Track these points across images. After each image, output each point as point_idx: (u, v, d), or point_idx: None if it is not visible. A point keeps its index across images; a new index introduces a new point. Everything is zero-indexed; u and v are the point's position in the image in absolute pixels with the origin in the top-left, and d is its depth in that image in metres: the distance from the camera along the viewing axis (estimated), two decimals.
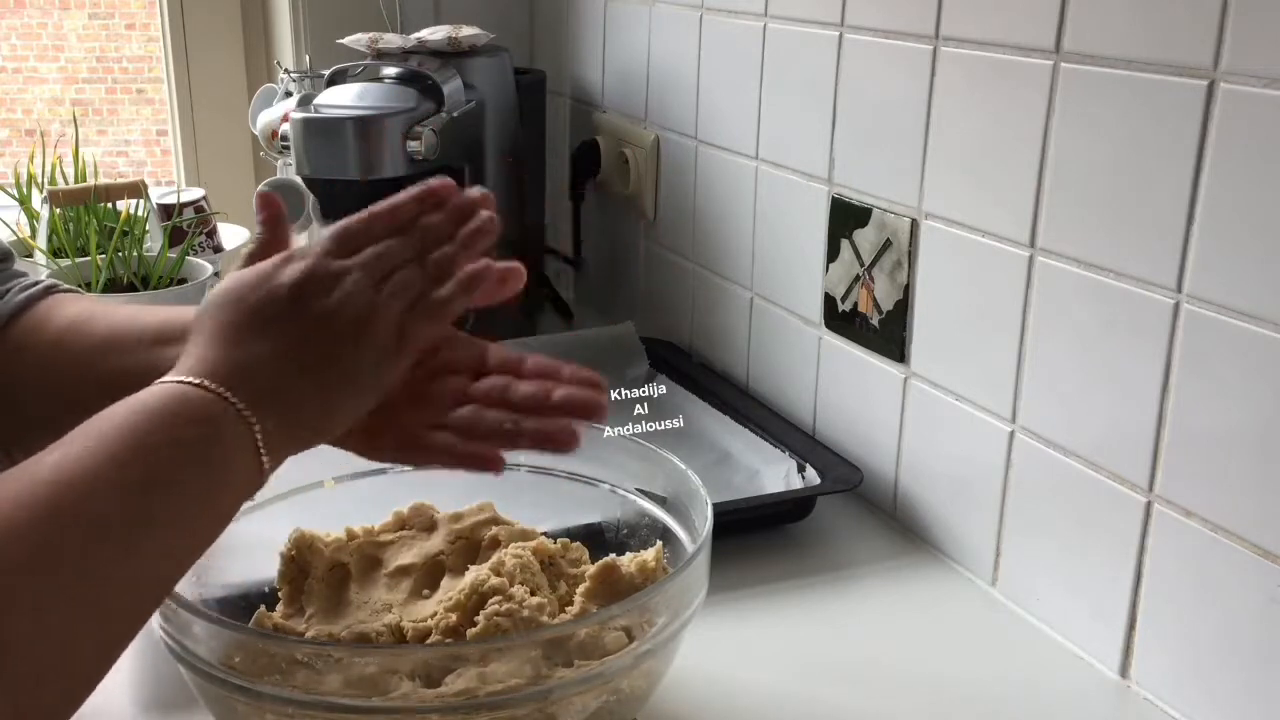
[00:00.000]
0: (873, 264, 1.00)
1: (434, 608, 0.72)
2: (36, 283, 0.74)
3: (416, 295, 0.62)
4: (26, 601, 0.46)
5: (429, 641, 0.70)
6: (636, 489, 0.82)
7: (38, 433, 0.70)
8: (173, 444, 0.54)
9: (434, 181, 0.66)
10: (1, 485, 0.49)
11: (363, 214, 0.64)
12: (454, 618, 0.70)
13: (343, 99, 1.23)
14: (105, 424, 0.53)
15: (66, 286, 0.76)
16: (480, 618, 0.69)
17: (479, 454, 0.65)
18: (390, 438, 0.67)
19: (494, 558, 0.74)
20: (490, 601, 0.70)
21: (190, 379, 0.56)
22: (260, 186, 1.42)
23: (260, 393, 0.57)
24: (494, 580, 0.71)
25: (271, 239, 0.66)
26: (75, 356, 0.70)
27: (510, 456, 0.85)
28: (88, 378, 0.69)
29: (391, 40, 1.29)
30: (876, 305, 1.00)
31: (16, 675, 0.45)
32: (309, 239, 1.65)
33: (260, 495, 0.61)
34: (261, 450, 0.56)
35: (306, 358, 0.59)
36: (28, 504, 0.48)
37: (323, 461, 0.80)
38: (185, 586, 0.66)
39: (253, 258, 0.65)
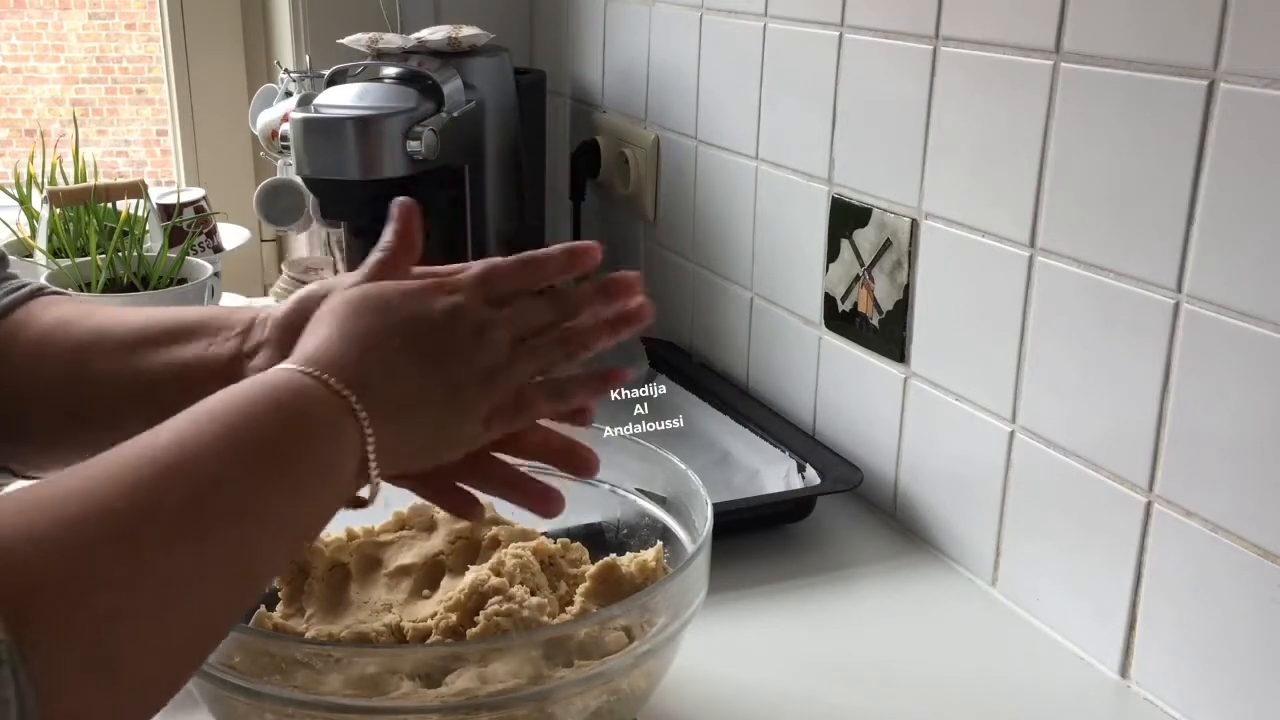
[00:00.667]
0: (873, 264, 1.00)
1: (434, 608, 0.72)
2: (23, 285, 0.73)
3: (546, 364, 0.64)
4: (124, 575, 0.46)
5: (429, 641, 0.70)
6: (636, 489, 0.82)
7: (19, 440, 0.70)
8: (286, 435, 0.53)
9: (584, 244, 0.67)
10: (106, 462, 0.49)
11: (513, 260, 0.65)
12: (454, 618, 0.70)
13: (343, 99, 1.23)
14: (221, 405, 0.53)
15: (54, 289, 0.74)
16: (480, 618, 0.69)
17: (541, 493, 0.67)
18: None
19: (494, 558, 0.74)
20: (490, 601, 0.70)
21: (314, 371, 0.56)
22: (261, 186, 1.42)
23: (380, 402, 0.56)
24: (494, 580, 0.71)
25: (403, 252, 0.66)
26: (60, 353, 0.69)
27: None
28: (66, 383, 0.68)
29: (391, 40, 1.29)
30: (876, 305, 1.00)
31: (110, 661, 0.45)
32: (307, 240, 1.65)
33: None
34: (371, 459, 0.56)
35: (433, 386, 0.59)
36: (131, 480, 0.48)
37: None
38: None
39: (382, 265, 0.65)
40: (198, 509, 0.49)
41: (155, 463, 0.49)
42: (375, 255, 0.66)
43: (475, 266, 0.64)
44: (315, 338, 0.59)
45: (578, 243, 0.67)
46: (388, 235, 0.66)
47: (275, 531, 0.53)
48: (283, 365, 0.57)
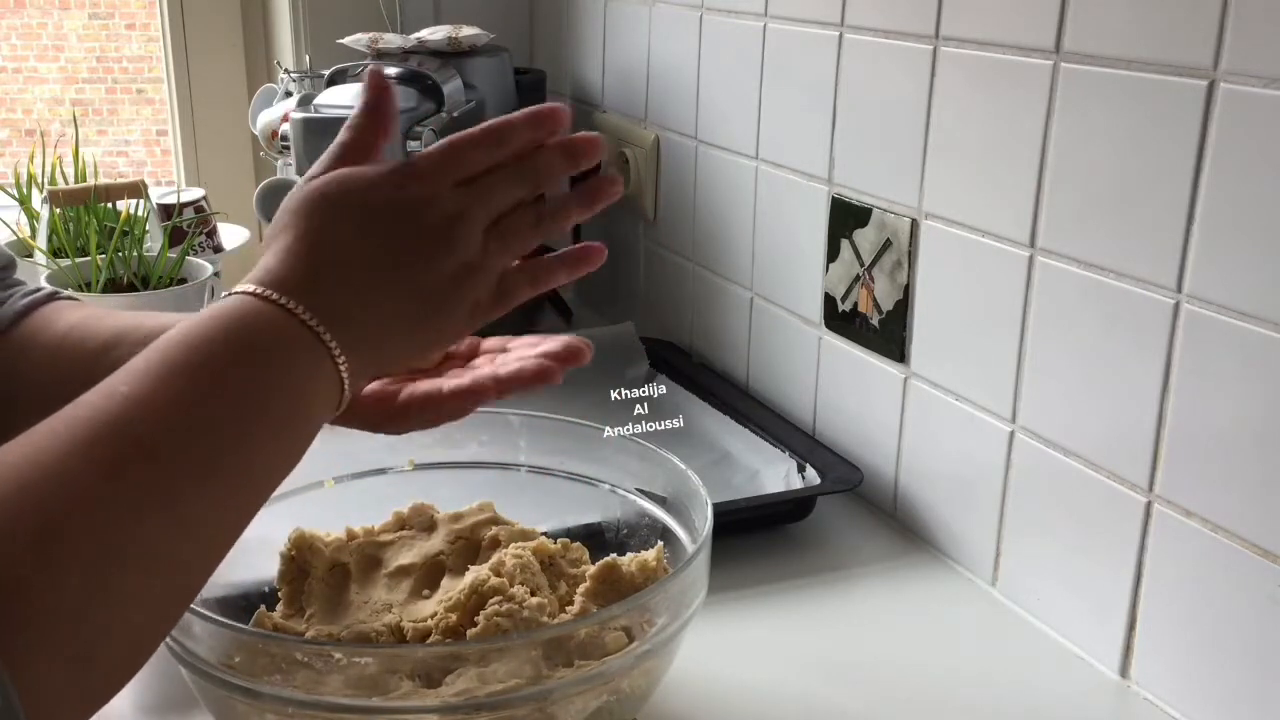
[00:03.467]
0: (873, 264, 1.00)
1: (434, 608, 0.72)
2: (39, 289, 0.75)
3: (521, 249, 0.61)
4: (91, 533, 0.43)
5: (429, 641, 0.70)
6: (636, 489, 0.82)
7: None
8: (252, 376, 0.50)
9: (547, 106, 0.62)
10: (69, 412, 0.46)
11: (474, 132, 0.60)
12: (454, 618, 0.70)
13: (343, 99, 1.23)
14: (171, 346, 0.50)
15: (69, 294, 0.76)
16: (480, 618, 0.69)
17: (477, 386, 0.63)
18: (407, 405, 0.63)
19: (494, 558, 0.74)
20: (490, 601, 0.70)
21: (277, 297, 0.52)
22: (261, 186, 1.42)
23: (350, 324, 0.53)
24: (494, 580, 0.71)
25: (373, 130, 0.61)
26: (79, 355, 0.69)
27: (510, 456, 0.86)
28: (87, 378, 0.69)
29: (391, 40, 1.29)
30: (876, 305, 1.00)
31: (83, 646, 0.42)
32: None
33: None
34: (342, 370, 0.53)
35: (405, 295, 0.56)
36: (93, 433, 0.45)
37: (323, 461, 0.81)
38: None
39: (347, 149, 0.60)
40: (166, 469, 0.46)
41: (114, 424, 0.46)
42: (342, 135, 0.61)
43: (437, 146, 0.59)
44: (276, 250, 0.55)
45: (540, 106, 0.62)
46: (357, 110, 0.61)
47: (249, 480, 0.50)
48: (243, 287, 0.53)
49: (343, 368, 0.53)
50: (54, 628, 0.42)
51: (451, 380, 0.63)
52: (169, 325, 0.69)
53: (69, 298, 0.76)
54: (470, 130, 0.60)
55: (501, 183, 0.60)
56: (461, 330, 0.60)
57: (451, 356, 0.69)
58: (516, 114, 0.61)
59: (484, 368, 0.65)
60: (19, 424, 0.70)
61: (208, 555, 0.49)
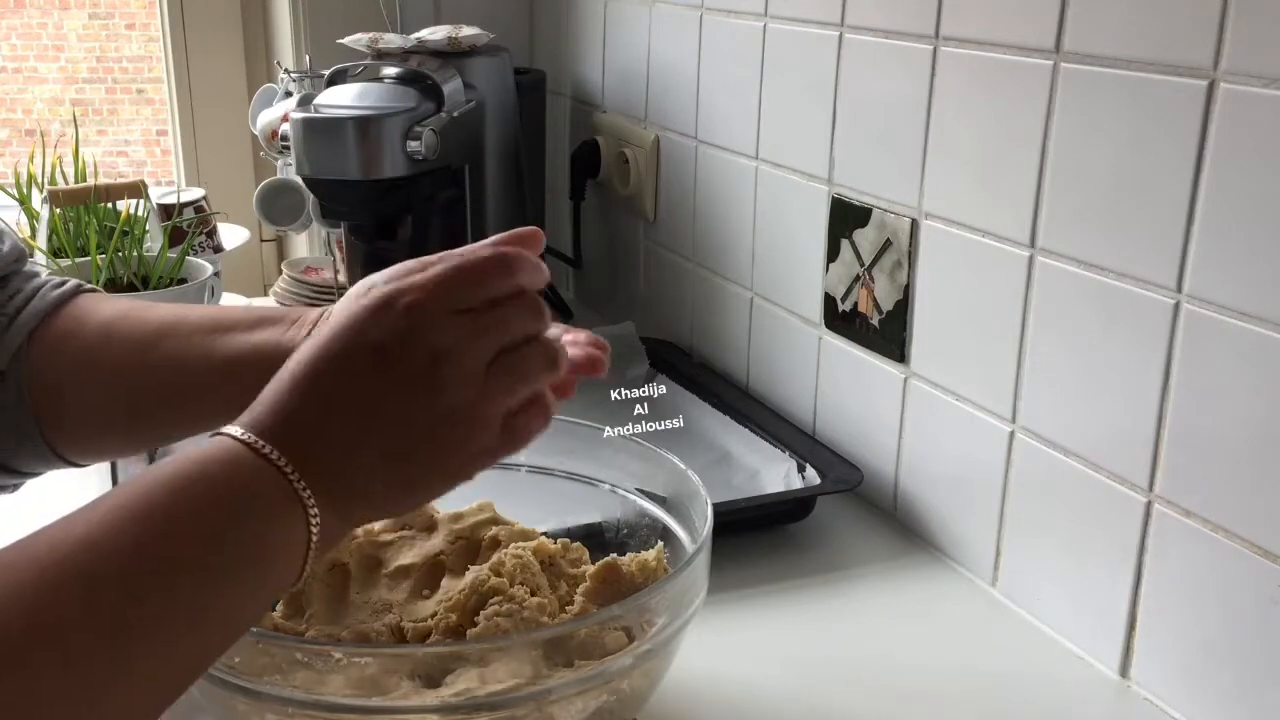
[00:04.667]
0: (873, 264, 1.00)
1: (434, 608, 0.72)
2: (64, 281, 0.74)
3: (532, 386, 0.55)
4: (23, 679, 0.41)
5: (429, 641, 0.70)
6: (636, 489, 0.82)
7: (80, 427, 0.70)
8: (216, 526, 0.48)
9: (524, 251, 0.58)
10: (11, 561, 0.44)
11: (479, 261, 0.54)
12: (454, 618, 0.70)
13: (343, 99, 1.23)
14: (144, 490, 0.47)
15: (91, 286, 0.76)
16: (480, 618, 0.69)
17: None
18: None
19: (494, 558, 0.74)
20: (490, 602, 0.70)
21: (258, 443, 0.49)
22: (261, 186, 1.42)
23: (331, 472, 0.50)
24: (494, 580, 0.71)
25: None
26: (124, 346, 0.69)
27: (510, 456, 0.86)
28: (137, 365, 0.68)
29: (391, 40, 1.29)
30: (876, 305, 1.00)
31: None
32: (307, 240, 1.65)
33: None
34: (313, 538, 0.50)
35: (399, 443, 0.51)
36: (43, 574, 0.43)
37: None
38: None
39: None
40: (107, 622, 0.44)
41: (57, 567, 0.44)
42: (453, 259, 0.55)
43: (436, 270, 0.53)
44: (272, 391, 0.52)
45: (519, 251, 0.57)
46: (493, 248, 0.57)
47: (202, 635, 0.48)
48: (228, 429, 0.51)
49: (313, 520, 0.50)
50: None
51: None
52: (212, 319, 0.69)
53: (92, 289, 0.75)
54: (473, 258, 0.54)
55: (506, 318, 0.54)
56: (464, 475, 0.54)
57: None
58: (507, 249, 0.56)
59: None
60: (62, 419, 0.70)
61: (150, 708, 0.46)
